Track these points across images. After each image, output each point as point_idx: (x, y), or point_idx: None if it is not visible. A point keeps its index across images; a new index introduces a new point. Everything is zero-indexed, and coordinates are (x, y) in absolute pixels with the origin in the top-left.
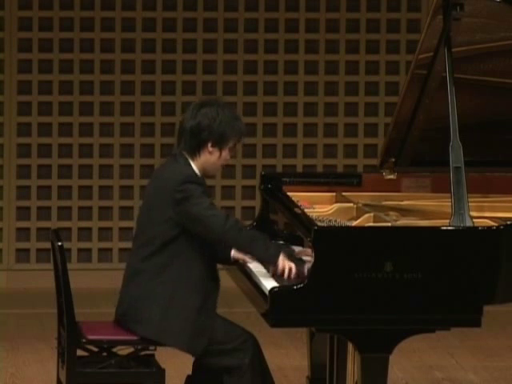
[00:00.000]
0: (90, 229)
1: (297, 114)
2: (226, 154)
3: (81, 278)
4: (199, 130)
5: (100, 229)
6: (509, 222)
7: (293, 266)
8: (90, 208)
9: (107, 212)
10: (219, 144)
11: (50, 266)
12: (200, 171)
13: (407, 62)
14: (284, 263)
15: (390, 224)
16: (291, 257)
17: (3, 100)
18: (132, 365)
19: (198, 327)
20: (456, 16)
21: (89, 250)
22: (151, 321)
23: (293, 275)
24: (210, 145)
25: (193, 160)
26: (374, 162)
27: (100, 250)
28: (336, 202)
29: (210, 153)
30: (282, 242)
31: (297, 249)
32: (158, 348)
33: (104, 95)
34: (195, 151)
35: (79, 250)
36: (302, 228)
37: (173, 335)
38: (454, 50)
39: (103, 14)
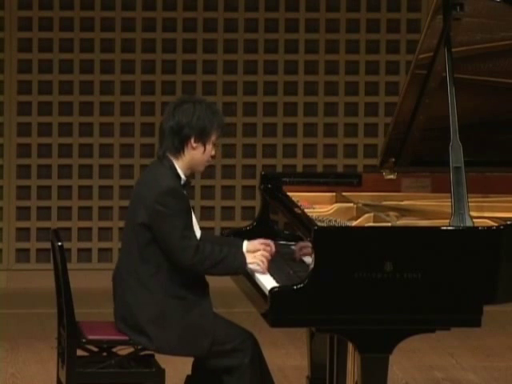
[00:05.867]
0: (89, 229)
1: (297, 114)
2: (209, 148)
3: (81, 278)
4: (179, 128)
5: (100, 229)
6: (509, 222)
7: (262, 256)
8: (90, 208)
9: (107, 212)
10: (202, 138)
11: (50, 266)
12: (186, 170)
13: (407, 62)
14: (254, 260)
15: (390, 224)
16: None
17: (3, 100)
18: (132, 365)
19: (195, 329)
20: (456, 16)
21: (89, 250)
22: (149, 336)
23: (268, 256)
24: (192, 140)
25: (177, 159)
26: (374, 162)
27: (100, 250)
28: (336, 201)
29: (194, 148)
30: (283, 242)
31: (295, 247)
32: None
33: (104, 95)
34: (179, 149)
35: (79, 249)
36: (302, 228)
37: (172, 345)
38: (454, 49)
39: (103, 14)
